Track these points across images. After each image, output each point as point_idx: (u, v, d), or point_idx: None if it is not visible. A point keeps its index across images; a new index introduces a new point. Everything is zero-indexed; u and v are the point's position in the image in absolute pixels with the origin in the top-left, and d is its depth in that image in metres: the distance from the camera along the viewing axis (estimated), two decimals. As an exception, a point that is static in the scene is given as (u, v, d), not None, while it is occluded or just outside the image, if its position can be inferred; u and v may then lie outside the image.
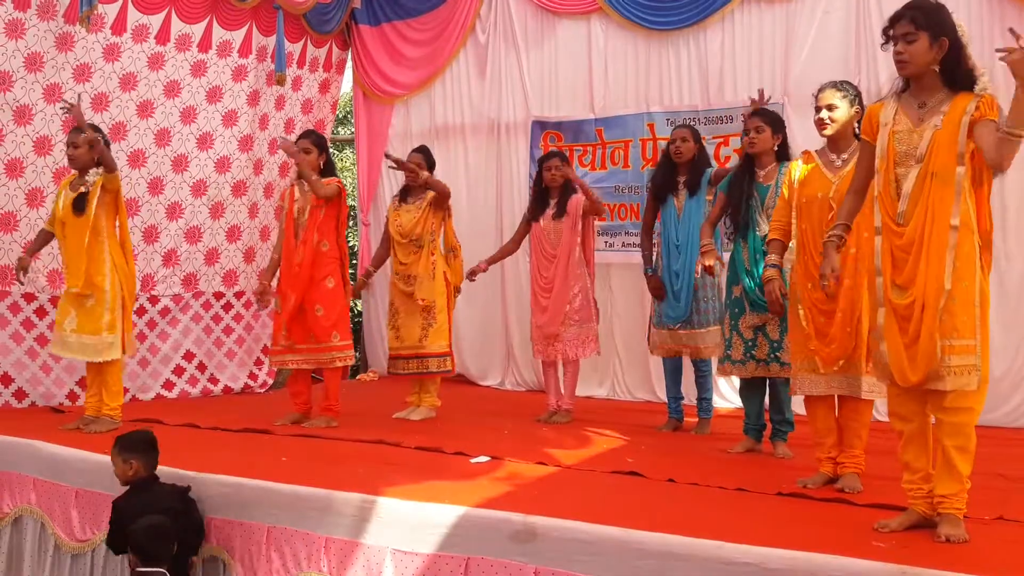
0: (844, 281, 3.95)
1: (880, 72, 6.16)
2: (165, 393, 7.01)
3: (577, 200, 5.87)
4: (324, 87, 8.29)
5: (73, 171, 5.50)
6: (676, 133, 5.63)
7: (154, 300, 6.97)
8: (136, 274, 5.77)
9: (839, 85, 4.15)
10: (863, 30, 6.29)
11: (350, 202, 10.11)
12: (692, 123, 6.86)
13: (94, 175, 5.36)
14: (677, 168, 5.59)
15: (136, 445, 4.16)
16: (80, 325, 5.35)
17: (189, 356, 7.21)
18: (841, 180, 4.01)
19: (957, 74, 3.24)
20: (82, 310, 5.34)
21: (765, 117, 4.94)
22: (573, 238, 5.88)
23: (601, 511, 3.55)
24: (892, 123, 3.33)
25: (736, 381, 6.45)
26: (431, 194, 5.92)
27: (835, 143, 4.14)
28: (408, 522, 3.62)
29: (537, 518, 3.43)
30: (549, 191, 6.00)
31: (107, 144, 5.48)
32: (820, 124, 4.13)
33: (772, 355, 4.75)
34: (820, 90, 4.17)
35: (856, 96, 4.14)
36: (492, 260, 6.25)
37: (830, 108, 4.09)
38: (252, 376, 7.64)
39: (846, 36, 6.38)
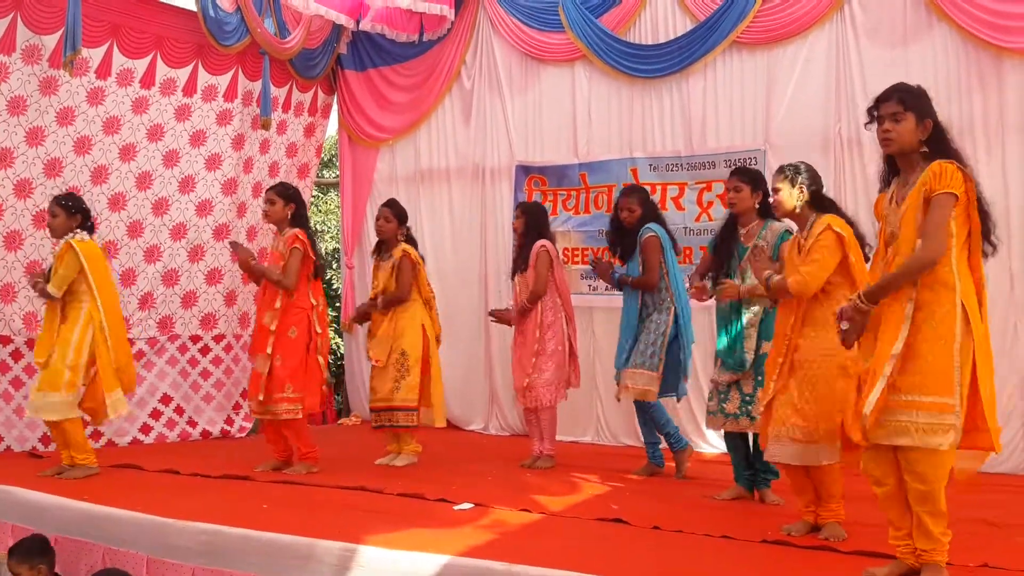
0: (795, 354, 4.06)
1: (859, 120, 6.17)
2: (142, 437, 6.91)
3: (536, 250, 5.89)
4: (309, 131, 8.32)
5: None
6: (621, 203, 5.71)
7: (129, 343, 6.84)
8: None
9: (782, 169, 4.26)
10: (843, 80, 6.38)
11: (334, 245, 10.16)
12: (674, 169, 6.96)
13: (67, 238, 5.37)
14: (626, 230, 5.67)
15: (37, 550, 4.08)
16: (42, 382, 5.32)
17: (166, 399, 7.12)
18: (803, 262, 4.08)
19: (941, 154, 3.27)
20: (46, 370, 5.31)
21: (743, 176, 4.99)
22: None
23: (585, 559, 3.52)
24: (886, 208, 3.41)
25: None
26: (399, 254, 5.93)
27: (796, 221, 4.25)
28: (390, 571, 3.57)
29: (521, 567, 3.39)
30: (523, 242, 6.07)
31: (84, 214, 5.49)
32: (773, 208, 4.31)
33: (743, 409, 4.80)
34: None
35: (799, 175, 4.20)
36: (515, 319, 6.11)
37: (774, 191, 4.24)
38: (229, 421, 7.55)
39: (826, 85, 6.46)
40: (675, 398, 5.64)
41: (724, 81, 6.88)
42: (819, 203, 4.20)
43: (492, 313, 6.36)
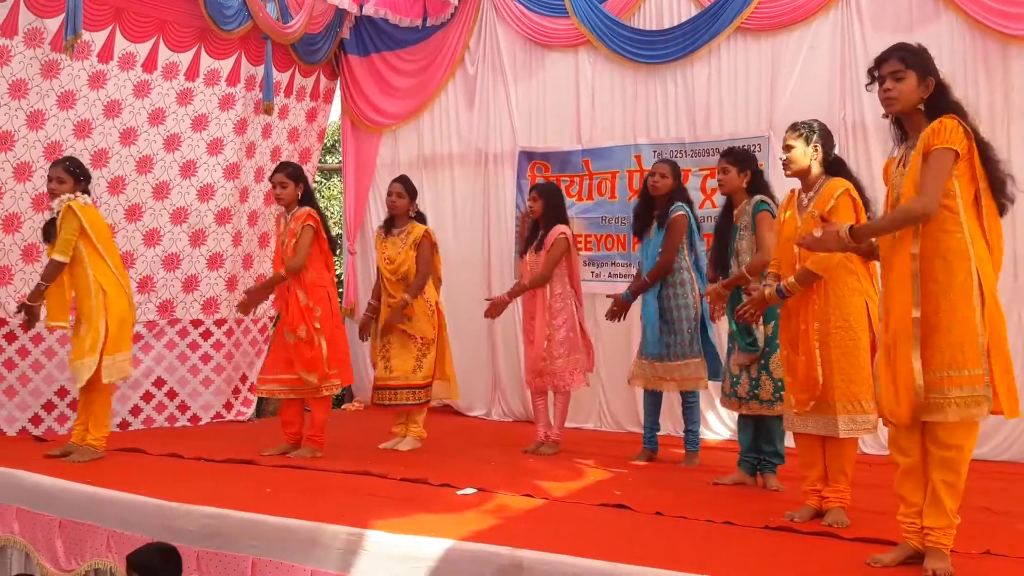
0: (812, 324, 3.98)
1: (864, 106, 6.22)
2: (130, 419, 6.90)
3: (554, 235, 5.87)
4: (311, 116, 8.29)
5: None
6: (655, 167, 5.67)
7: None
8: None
9: (795, 126, 4.20)
10: (848, 65, 6.36)
11: (337, 231, 10.13)
12: (678, 156, 6.93)
13: (59, 204, 5.33)
14: (654, 202, 5.61)
15: None
16: (73, 351, 5.39)
17: (160, 383, 7.11)
18: (804, 221, 4.04)
19: (941, 110, 3.25)
20: (76, 338, 5.36)
21: (730, 157, 4.97)
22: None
23: (588, 544, 3.52)
24: (893, 173, 3.39)
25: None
26: (416, 231, 5.95)
27: (804, 181, 4.19)
28: (395, 555, 3.58)
29: (524, 552, 3.40)
30: (538, 224, 6.01)
31: (88, 180, 5.51)
32: (783, 166, 4.21)
33: (751, 393, 4.79)
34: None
35: (813, 133, 4.14)
36: (514, 293, 6.10)
37: (786, 149, 4.15)
38: (228, 406, 7.53)
39: (831, 71, 6.44)
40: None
41: (728, 67, 6.85)
42: (831, 164, 4.17)
43: (488, 310, 6.19)
